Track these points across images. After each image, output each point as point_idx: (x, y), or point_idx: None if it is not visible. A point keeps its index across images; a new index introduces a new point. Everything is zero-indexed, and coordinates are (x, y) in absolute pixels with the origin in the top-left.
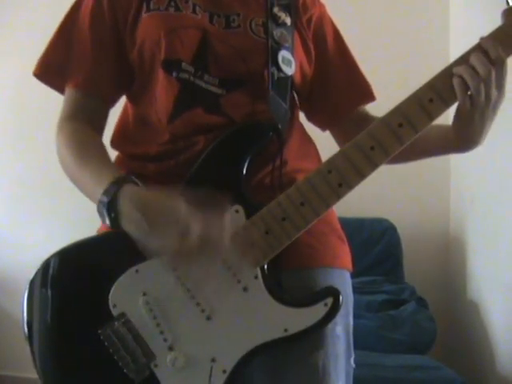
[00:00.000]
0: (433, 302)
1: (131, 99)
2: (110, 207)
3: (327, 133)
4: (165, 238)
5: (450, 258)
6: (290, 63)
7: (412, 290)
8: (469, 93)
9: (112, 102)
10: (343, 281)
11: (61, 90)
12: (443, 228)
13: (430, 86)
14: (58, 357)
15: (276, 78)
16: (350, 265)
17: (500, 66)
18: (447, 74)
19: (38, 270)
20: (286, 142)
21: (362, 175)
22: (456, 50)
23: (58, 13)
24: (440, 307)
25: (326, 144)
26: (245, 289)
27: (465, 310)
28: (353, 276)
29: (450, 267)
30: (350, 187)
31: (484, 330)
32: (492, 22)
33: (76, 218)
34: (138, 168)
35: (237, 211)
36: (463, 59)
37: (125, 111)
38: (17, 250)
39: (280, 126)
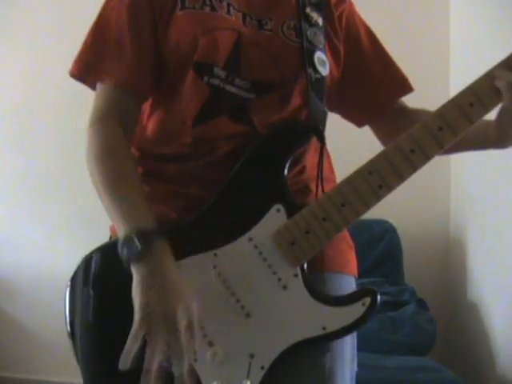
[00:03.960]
0: (433, 304)
1: (156, 97)
2: (138, 252)
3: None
4: (150, 312)
5: (450, 259)
6: (324, 64)
7: (412, 291)
8: None
9: (146, 98)
10: (351, 287)
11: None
12: (443, 229)
13: (471, 90)
14: (100, 352)
15: (313, 79)
16: (356, 271)
17: None
18: (487, 79)
19: (79, 266)
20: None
21: (401, 178)
22: (456, 55)
23: (60, 14)
24: (440, 309)
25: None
26: (284, 287)
27: (465, 312)
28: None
29: (450, 269)
30: (390, 189)
31: (484, 331)
32: (491, 29)
33: (76, 220)
34: (156, 168)
35: (278, 210)
36: (505, 63)
37: (143, 110)
38: (17, 251)
39: (320, 127)
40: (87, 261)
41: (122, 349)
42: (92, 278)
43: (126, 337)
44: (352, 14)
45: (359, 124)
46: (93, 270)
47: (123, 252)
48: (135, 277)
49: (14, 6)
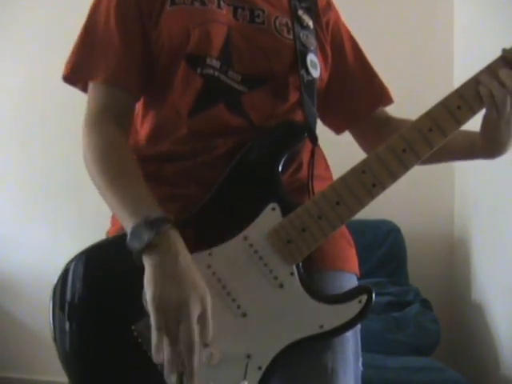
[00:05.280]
0: (437, 304)
1: (148, 94)
2: (149, 244)
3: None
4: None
5: (454, 259)
6: (316, 66)
7: (416, 291)
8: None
9: (139, 96)
10: (352, 285)
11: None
12: (447, 229)
13: (458, 93)
14: (88, 357)
15: (305, 81)
16: (357, 269)
17: None
18: (474, 82)
19: (62, 273)
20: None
21: (394, 177)
22: (460, 55)
23: (62, 15)
24: (444, 309)
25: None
26: (281, 285)
27: (469, 312)
28: (357, 278)
29: (454, 269)
30: (384, 188)
31: (488, 331)
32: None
33: (80, 220)
34: (152, 170)
35: (273, 209)
36: (490, 69)
37: (136, 113)
38: (20, 251)
39: (313, 128)
40: (68, 268)
41: (110, 352)
42: (71, 289)
43: (115, 340)
44: (337, 22)
45: (337, 131)
46: (72, 280)
47: (133, 244)
48: (147, 267)
49: (15, 6)
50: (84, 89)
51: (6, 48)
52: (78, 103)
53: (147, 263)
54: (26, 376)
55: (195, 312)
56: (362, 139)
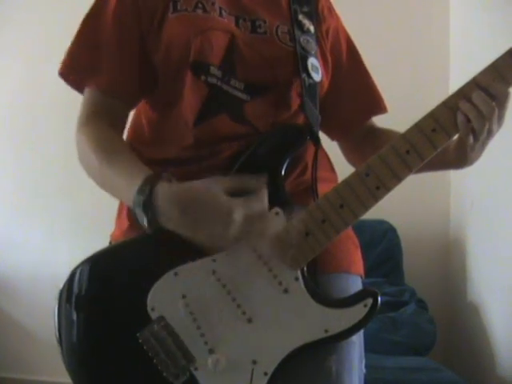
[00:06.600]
0: (433, 304)
1: (152, 101)
2: (145, 206)
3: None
4: (209, 231)
5: (450, 259)
6: (317, 70)
7: (412, 291)
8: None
9: (134, 104)
10: (358, 287)
11: (82, 91)
12: (443, 230)
13: (462, 93)
14: (94, 362)
15: (307, 84)
16: (362, 271)
17: (503, 102)
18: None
19: (67, 279)
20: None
21: (398, 178)
22: (456, 58)
23: (62, 13)
24: (440, 309)
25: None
26: (285, 290)
27: (465, 312)
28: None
29: (450, 269)
30: (388, 190)
31: (484, 331)
32: (492, 27)
33: (76, 221)
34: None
35: (277, 213)
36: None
37: (137, 115)
38: (16, 251)
39: (315, 130)
40: (74, 274)
41: (115, 360)
42: (76, 295)
43: (119, 348)
44: (337, 28)
45: (330, 137)
46: (77, 286)
47: (147, 213)
48: (180, 228)
49: (18, 5)
50: (77, 88)
51: (4, 49)
52: (73, 104)
53: (172, 223)
54: (21, 376)
55: (239, 211)
56: (347, 149)
